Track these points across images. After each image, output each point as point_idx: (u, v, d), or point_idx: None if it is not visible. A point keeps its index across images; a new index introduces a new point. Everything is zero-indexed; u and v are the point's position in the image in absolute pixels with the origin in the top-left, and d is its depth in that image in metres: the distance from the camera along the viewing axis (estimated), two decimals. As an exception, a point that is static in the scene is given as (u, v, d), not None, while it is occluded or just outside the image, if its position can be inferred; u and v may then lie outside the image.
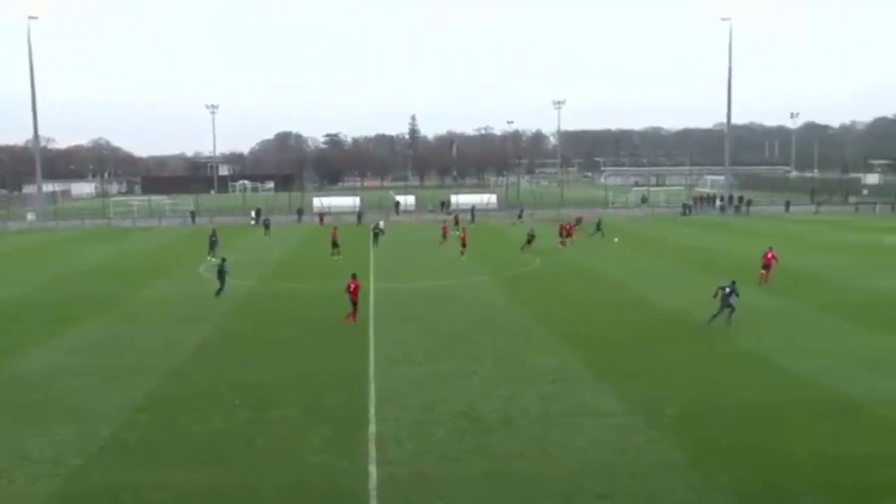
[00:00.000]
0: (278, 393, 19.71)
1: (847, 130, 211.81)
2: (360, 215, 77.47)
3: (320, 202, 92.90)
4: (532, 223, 66.01)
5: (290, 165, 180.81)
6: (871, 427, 16.77)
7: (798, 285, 34.89)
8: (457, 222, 62.01)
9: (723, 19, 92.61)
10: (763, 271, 35.38)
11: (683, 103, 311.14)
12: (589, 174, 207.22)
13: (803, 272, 38.86)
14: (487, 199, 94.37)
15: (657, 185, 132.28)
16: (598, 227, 57.63)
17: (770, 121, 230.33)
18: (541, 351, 23.60)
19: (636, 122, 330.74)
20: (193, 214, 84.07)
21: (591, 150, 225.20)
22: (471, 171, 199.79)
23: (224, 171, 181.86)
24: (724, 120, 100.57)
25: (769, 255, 35.90)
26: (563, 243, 51.02)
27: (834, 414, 17.60)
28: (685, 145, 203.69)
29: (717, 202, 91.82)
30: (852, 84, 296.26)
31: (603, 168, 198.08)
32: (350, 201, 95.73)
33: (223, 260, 34.92)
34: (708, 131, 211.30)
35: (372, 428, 16.97)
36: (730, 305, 26.22)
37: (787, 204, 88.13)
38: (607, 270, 40.49)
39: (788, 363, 21.73)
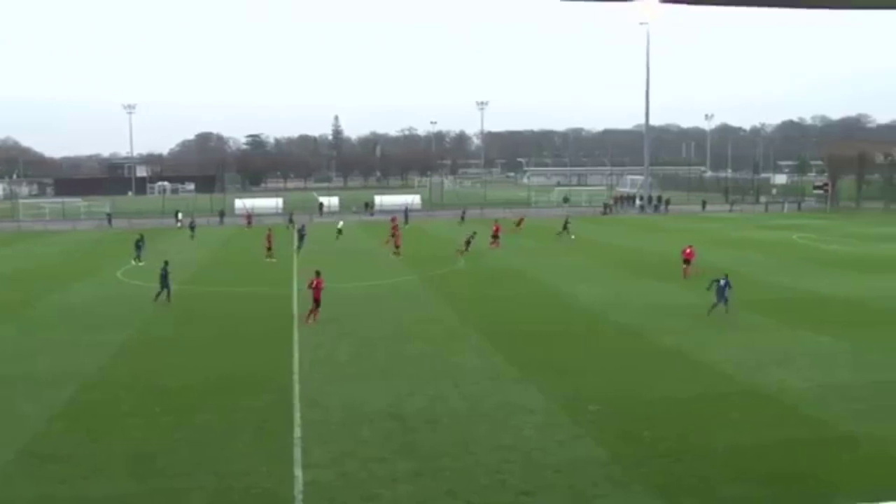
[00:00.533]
0: (202, 398, 19.28)
1: (757, 132, 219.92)
2: (291, 216, 76.36)
3: (243, 204, 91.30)
4: (472, 225, 66.33)
5: (211, 166, 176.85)
6: (783, 417, 17.46)
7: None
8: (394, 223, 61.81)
9: (641, 23, 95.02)
10: (685, 266, 36.99)
11: (605, 105, 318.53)
12: (512, 174, 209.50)
13: (721, 269, 40.17)
14: (412, 199, 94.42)
15: (579, 184, 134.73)
16: (566, 226, 58.60)
17: (687, 122, 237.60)
18: (466, 350, 23.74)
19: (558, 123, 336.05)
20: (110, 217, 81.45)
21: (514, 150, 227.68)
22: (395, 171, 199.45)
23: (142, 172, 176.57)
24: (644, 121, 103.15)
25: (688, 251, 37.53)
26: (493, 244, 51.42)
27: (749, 405, 18.25)
28: (606, 146, 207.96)
29: (637, 202, 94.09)
30: (763, 88, 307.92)
31: (525, 168, 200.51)
32: (273, 203, 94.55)
33: (165, 263, 33.73)
34: (628, 132, 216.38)
35: (297, 431, 16.76)
36: (724, 298, 27.79)
37: (704, 203, 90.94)
38: (532, 270, 41.01)
39: (707, 357, 22.43)
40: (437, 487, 13.96)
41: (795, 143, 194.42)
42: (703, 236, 55.24)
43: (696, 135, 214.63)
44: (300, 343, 24.83)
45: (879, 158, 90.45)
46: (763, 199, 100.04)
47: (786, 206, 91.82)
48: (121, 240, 57.04)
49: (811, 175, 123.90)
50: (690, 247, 38.45)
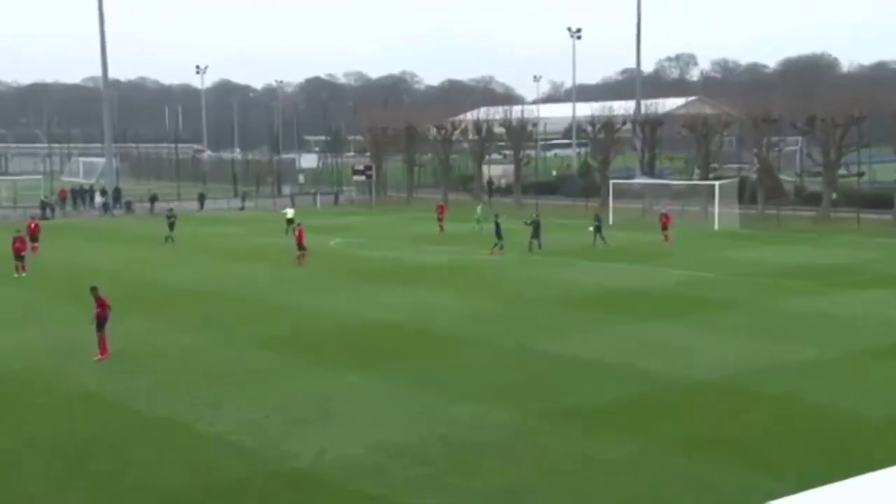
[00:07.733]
0: None
1: (273, 94, 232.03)
2: None
3: None
4: None
5: None
6: (327, 499, 18.74)
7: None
8: None
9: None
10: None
11: (39, 48, 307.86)
12: None
13: (222, 294, 41.81)
14: None
15: None
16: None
17: (171, 77, 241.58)
18: None
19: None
20: None
21: None
22: None
23: None
24: (101, 73, 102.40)
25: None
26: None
27: (277, 490, 19.08)
28: (40, 109, 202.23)
29: (99, 198, 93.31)
30: (277, 37, 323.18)
31: None
32: None
33: None
34: (76, 88, 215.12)
35: None
36: (537, 238, 54.96)
37: (202, 197, 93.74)
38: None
39: (216, 427, 22.86)
40: None
41: (327, 108, 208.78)
42: (218, 247, 56.42)
43: (185, 95, 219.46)
44: None
45: (433, 133, 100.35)
46: (288, 189, 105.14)
47: (319, 199, 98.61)
48: None
49: (350, 156, 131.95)
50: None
